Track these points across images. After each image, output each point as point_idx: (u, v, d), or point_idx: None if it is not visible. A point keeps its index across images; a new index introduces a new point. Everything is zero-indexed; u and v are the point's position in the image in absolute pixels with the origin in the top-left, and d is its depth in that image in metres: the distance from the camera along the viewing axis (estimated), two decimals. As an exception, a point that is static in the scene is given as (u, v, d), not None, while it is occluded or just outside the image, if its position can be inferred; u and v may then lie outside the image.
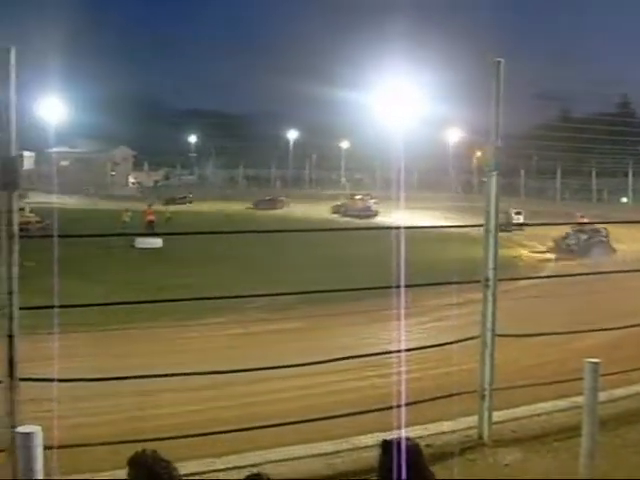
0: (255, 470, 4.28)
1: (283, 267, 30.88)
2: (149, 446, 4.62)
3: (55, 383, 7.87)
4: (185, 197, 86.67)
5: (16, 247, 6.40)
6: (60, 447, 6.73)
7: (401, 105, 71.72)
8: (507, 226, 31.44)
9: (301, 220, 56.93)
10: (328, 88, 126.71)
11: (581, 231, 41.69)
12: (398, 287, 8.47)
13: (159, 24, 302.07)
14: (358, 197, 74.65)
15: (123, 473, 8.35)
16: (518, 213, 52.24)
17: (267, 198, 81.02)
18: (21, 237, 6.48)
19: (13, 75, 6.42)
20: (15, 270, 6.43)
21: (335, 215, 70.48)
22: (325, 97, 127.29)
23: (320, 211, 68.76)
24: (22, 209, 41.11)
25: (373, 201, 72.03)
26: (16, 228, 6.39)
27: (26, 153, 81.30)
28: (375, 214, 66.73)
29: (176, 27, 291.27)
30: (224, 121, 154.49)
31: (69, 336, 14.40)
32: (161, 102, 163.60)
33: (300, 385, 14.02)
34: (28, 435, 6.42)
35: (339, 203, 74.57)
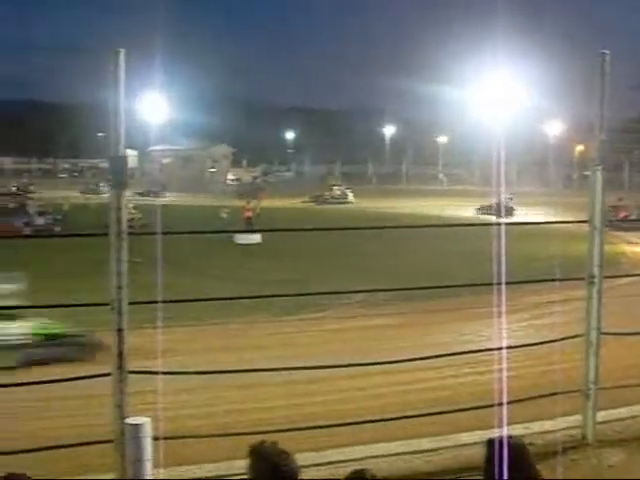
0: (359, 467, 4.29)
1: (380, 263, 30.86)
2: (247, 440, 4.68)
3: (160, 376, 8.09)
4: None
5: (125, 244, 6.60)
6: (166, 438, 6.91)
7: (501, 99, 70.49)
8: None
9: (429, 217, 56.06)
10: (425, 83, 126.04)
11: None
12: (499, 284, 8.37)
13: (260, 23, 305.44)
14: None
15: (213, 467, 8.52)
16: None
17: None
18: (127, 234, 6.69)
19: (122, 77, 6.61)
20: (124, 266, 6.64)
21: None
22: (422, 92, 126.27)
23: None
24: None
25: (508, 197, 68.18)
26: (125, 225, 6.60)
27: (129, 151, 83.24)
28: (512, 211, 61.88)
29: (276, 26, 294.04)
30: (322, 118, 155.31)
31: (173, 330, 14.79)
32: (260, 100, 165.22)
33: (399, 381, 13.98)
34: (137, 426, 6.64)
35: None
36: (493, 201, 66.10)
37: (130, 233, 6.79)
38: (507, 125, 68.18)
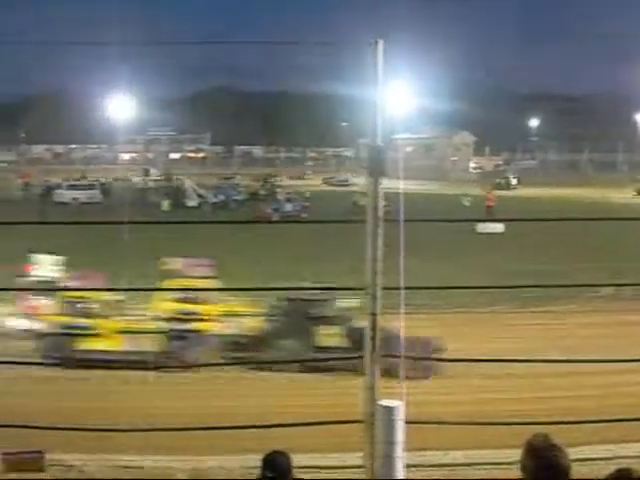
0: (624, 465, 4.10)
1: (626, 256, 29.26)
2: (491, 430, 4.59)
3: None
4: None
5: (381, 230, 6.75)
6: (417, 423, 7.01)
7: None
8: None
9: None
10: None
11: None
12: None
13: (504, 6, 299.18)
14: None
15: (460, 455, 8.43)
16: None
17: None
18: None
19: (380, 66, 6.75)
20: (379, 252, 6.79)
21: None
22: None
23: None
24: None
25: None
26: (381, 212, 6.74)
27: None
28: None
29: (519, 8, 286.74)
30: (568, 104, 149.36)
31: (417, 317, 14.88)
32: (503, 86, 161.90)
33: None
34: (390, 409, 6.80)
35: None
36: None
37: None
38: None
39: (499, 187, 72.13)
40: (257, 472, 7.79)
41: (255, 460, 8.21)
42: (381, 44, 6.76)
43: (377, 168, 6.74)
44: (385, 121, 6.85)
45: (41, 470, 6.80)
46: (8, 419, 7.09)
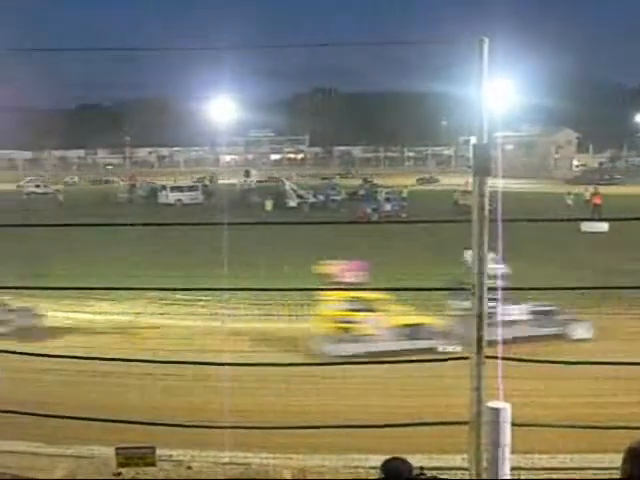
0: None
1: None
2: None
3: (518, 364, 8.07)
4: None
5: (486, 230, 6.67)
6: (525, 425, 6.90)
7: None
8: None
9: None
10: None
11: None
12: None
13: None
14: None
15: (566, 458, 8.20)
16: None
17: None
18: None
19: (485, 65, 6.67)
20: (484, 252, 6.71)
21: None
22: None
23: None
24: (469, 192, 42.54)
25: None
26: (486, 212, 6.66)
27: (472, 139, 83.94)
28: None
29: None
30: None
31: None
32: (607, 82, 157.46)
33: None
34: (497, 410, 6.72)
35: None
36: None
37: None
38: None
39: (605, 184, 70.33)
40: (361, 472, 7.83)
41: (359, 460, 8.29)
42: (487, 42, 6.69)
43: (482, 167, 6.67)
44: (489, 119, 6.77)
45: (152, 464, 7.00)
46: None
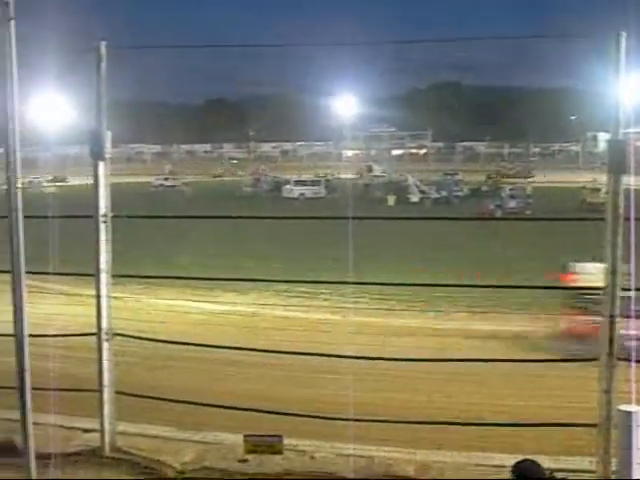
0: None
1: None
2: None
3: None
4: None
5: (620, 229, 6.51)
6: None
7: None
8: None
9: None
10: None
11: None
12: None
13: None
14: None
15: None
16: None
17: None
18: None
19: (622, 60, 6.51)
20: (618, 251, 6.56)
21: None
22: None
23: None
24: (598, 190, 41.12)
25: None
26: (621, 210, 6.50)
27: (601, 135, 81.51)
28: None
29: None
30: None
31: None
32: None
33: None
34: (630, 414, 6.56)
35: None
36: None
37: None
38: None
39: None
40: (484, 470, 7.76)
41: (483, 458, 8.21)
42: (624, 37, 6.53)
43: (618, 164, 6.50)
44: (623, 115, 6.59)
45: (279, 453, 7.17)
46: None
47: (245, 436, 7.25)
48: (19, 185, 5.88)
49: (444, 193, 60.47)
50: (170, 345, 11.40)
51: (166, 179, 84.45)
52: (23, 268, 6.07)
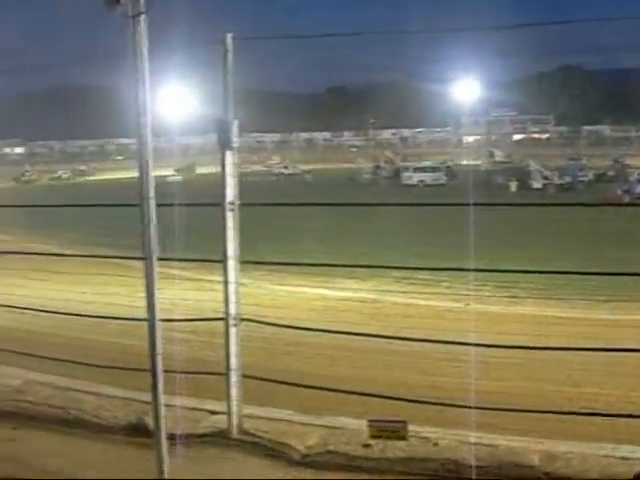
0: None
1: None
2: None
3: None
4: None
5: None
6: None
7: None
8: None
9: None
10: None
11: None
12: None
13: None
14: None
15: None
16: None
17: None
18: None
19: None
20: None
21: None
22: None
23: None
24: None
25: None
26: None
27: None
28: None
29: None
30: None
31: None
32: None
33: None
34: None
35: None
36: None
37: None
38: None
39: None
40: (610, 462, 7.57)
41: (609, 449, 7.99)
42: None
43: None
44: None
45: (403, 439, 7.18)
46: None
47: (369, 421, 7.29)
48: (152, 173, 6.08)
49: (568, 179, 58.96)
50: (292, 330, 11.58)
51: (286, 167, 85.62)
52: (156, 255, 6.28)
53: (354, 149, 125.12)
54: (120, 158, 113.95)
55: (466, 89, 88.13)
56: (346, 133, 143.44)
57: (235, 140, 7.47)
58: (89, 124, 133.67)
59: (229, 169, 7.57)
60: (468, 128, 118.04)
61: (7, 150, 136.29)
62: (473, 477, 7.04)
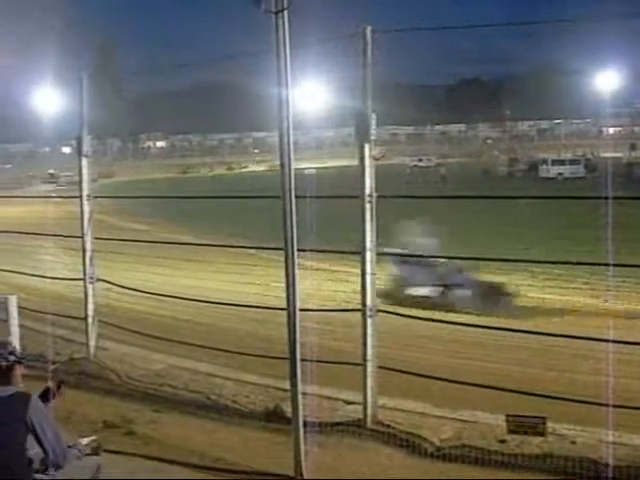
0: None
1: None
2: None
3: None
4: None
5: None
6: None
7: None
8: None
9: None
10: None
11: None
12: None
13: None
14: None
15: None
16: None
17: None
18: None
19: None
20: None
21: None
22: None
23: None
24: None
25: None
26: None
27: None
28: None
29: None
30: None
31: None
32: None
33: None
34: None
35: None
36: None
37: None
38: None
39: None
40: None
41: None
42: None
43: None
44: None
45: (541, 435, 7.08)
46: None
47: (507, 416, 7.22)
48: (292, 167, 6.23)
49: None
50: (419, 322, 11.47)
51: (420, 160, 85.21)
52: (295, 247, 6.42)
53: (489, 141, 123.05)
54: (256, 151, 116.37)
55: (607, 80, 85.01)
56: (481, 125, 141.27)
57: (373, 133, 7.54)
58: (226, 118, 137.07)
59: (367, 162, 7.64)
60: (609, 120, 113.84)
61: (149, 144, 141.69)
62: (610, 476, 6.88)
